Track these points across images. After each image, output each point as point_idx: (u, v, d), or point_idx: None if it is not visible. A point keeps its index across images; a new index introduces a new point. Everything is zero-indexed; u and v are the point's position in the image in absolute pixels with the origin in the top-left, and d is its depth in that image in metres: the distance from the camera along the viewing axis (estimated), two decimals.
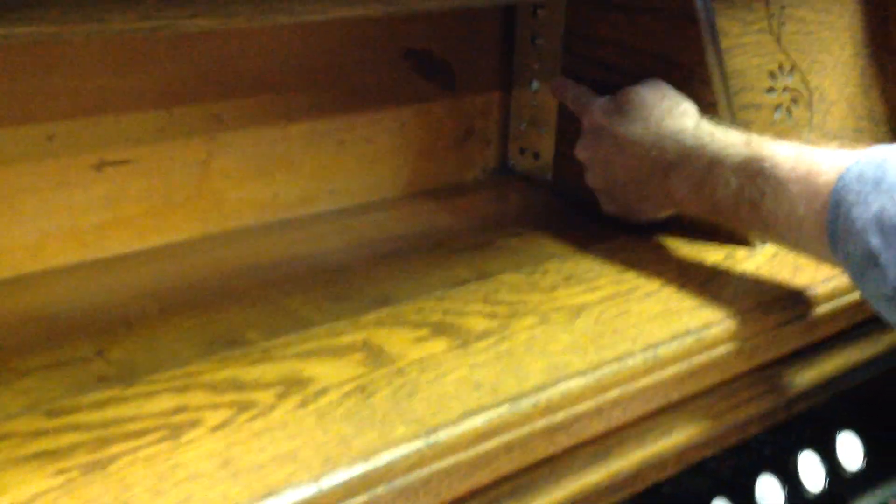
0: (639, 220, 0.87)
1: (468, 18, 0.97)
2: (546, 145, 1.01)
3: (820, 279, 0.80)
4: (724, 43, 0.92)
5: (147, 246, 0.83)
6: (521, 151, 1.03)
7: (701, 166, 0.77)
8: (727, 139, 0.77)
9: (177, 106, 0.82)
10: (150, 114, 0.81)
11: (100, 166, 0.79)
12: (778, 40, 1.01)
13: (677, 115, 0.81)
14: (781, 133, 1.00)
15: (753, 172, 0.72)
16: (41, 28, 0.59)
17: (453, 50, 0.97)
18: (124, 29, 0.62)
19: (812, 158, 0.70)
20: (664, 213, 0.85)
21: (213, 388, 0.62)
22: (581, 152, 0.87)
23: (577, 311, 0.73)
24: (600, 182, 0.86)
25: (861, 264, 0.64)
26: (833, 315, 0.81)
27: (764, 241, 0.83)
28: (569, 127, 0.98)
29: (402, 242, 0.86)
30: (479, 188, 1.01)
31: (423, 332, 0.70)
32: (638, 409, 0.68)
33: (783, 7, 1.01)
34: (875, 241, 0.62)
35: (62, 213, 0.78)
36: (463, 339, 0.69)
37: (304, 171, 0.90)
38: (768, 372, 0.80)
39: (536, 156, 1.02)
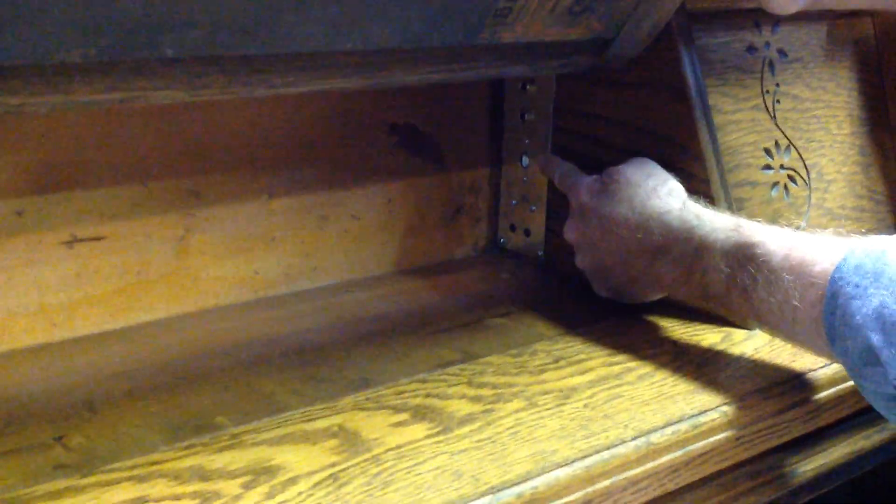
0: (633, 301, 0.84)
1: (455, 93, 0.95)
2: (537, 222, 0.98)
3: (821, 363, 0.77)
4: (718, 119, 0.90)
5: (119, 325, 0.80)
6: (512, 228, 1.01)
7: (689, 250, 0.74)
8: (715, 222, 0.74)
9: (153, 180, 0.79)
10: (124, 188, 0.78)
11: (71, 243, 0.77)
12: (773, 117, 0.99)
13: (663, 195, 0.78)
14: (779, 211, 0.97)
15: (744, 259, 0.70)
16: (2, 99, 0.56)
17: (440, 125, 0.94)
18: (91, 101, 0.60)
19: (806, 246, 0.67)
20: (656, 296, 0.82)
21: (176, 477, 0.59)
22: (569, 234, 0.84)
23: (567, 394, 0.70)
24: (589, 264, 0.84)
25: (860, 361, 0.61)
26: (836, 400, 0.77)
27: (756, 329, 0.80)
28: (560, 204, 0.95)
29: (385, 322, 0.83)
30: (468, 266, 0.98)
31: (403, 416, 0.66)
32: (630, 501, 0.64)
33: (777, 84, 0.99)
34: (876, 338, 0.59)
35: (30, 291, 0.75)
36: (445, 424, 0.65)
37: (286, 248, 0.88)
38: (769, 461, 0.76)
39: (527, 233, 0.99)
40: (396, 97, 0.91)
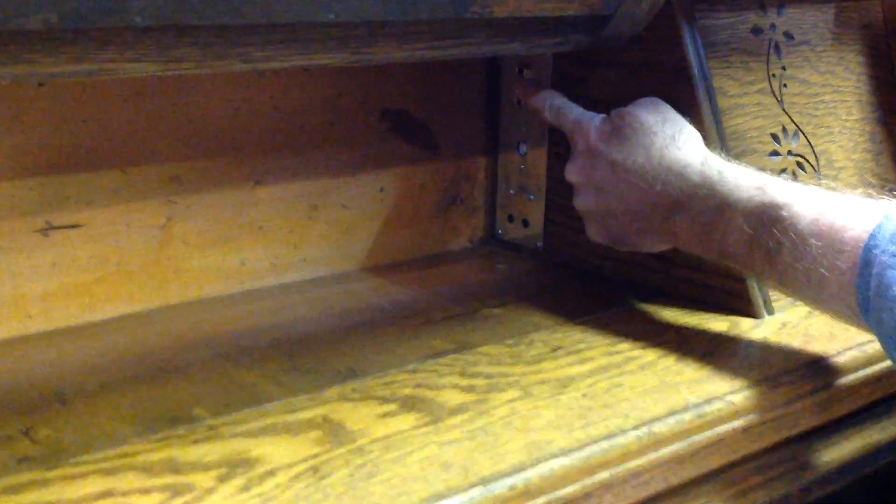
0: (631, 249, 0.79)
1: (449, 77, 0.92)
2: (536, 212, 0.95)
3: (834, 351, 0.73)
4: (722, 103, 0.86)
5: (98, 318, 0.76)
6: (510, 219, 0.97)
7: (709, 207, 0.70)
8: (739, 179, 0.70)
9: (132, 165, 0.76)
10: (102, 173, 0.75)
11: (46, 230, 0.73)
12: (780, 102, 0.95)
13: (682, 145, 0.74)
14: None
15: (769, 221, 0.65)
16: None
17: (433, 110, 0.91)
18: (57, 73, 0.57)
19: (836, 210, 0.63)
20: (662, 248, 0.78)
21: (147, 470, 0.55)
22: (572, 175, 0.79)
23: (564, 384, 0.66)
24: (593, 206, 0.78)
25: None
26: (851, 389, 0.74)
27: (776, 292, 0.75)
28: (560, 192, 0.92)
29: (375, 313, 0.79)
30: (463, 258, 0.94)
31: (391, 407, 0.63)
32: (631, 495, 0.61)
33: (784, 68, 0.96)
34: None
35: (4, 281, 0.72)
36: (434, 414, 0.62)
37: (274, 238, 0.84)
38: (779, 454, 0.72)
39: (526, 223, 0.96)
40: (388, 80, 0.87)
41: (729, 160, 0.73)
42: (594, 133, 0.77)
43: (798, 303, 0.82)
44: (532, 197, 0.94)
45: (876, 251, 0.58)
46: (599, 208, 0.78)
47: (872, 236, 0.59)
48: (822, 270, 0.62)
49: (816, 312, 0.72)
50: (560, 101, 0.82)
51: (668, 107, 0.77)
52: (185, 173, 0.78)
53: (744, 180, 0.69)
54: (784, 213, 0.65)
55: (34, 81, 0.59)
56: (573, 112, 0.81)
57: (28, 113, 0.71)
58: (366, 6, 0.63)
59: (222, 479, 0.54)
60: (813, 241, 0.62)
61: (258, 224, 0.83)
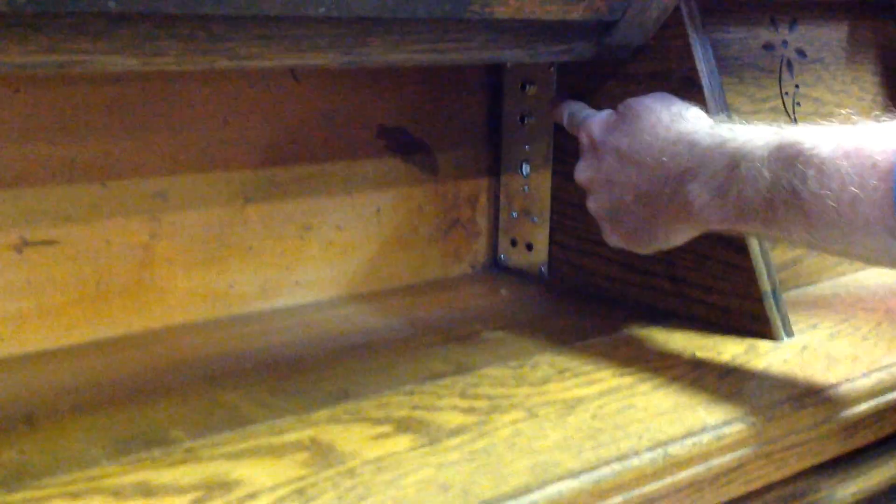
0: (649, 246, 0.74)
1: (449, 93, 0.88)
2: (540, 236, 0.90)
3: (859, 373, 0.69)
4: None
5: (74, 342, 0.72)
6: (513, 243, 0.93)
7: (722, 166, 0.65)
8: (751, 132, 0.65)
9: (114, 179, 0.72)
10: (81, 187, 0.71)
11: (21, 247, 0.69)
12: (794, 120, 0.91)
13: (690, 117, 0.70)
14: None
15: (791, 157, 0.60)
16: None
17: (433, 129, 0.87)
18: (26, 63, 0.53)
19: (859, 134, 0.59)
20: (679, 235, 0.72)
21: (117, 493, 0.50)
22: (580, 174, 0.75)
23: (572, 405, 0.62)
24: (604, 205, 0.74)
25: None
26: (876, 416, 0.69)
27: (804, 246, 0.70)
28: (566, 214, 0.88)
29: (370, 335, 0.75)
30: (464, 283, 0.90)
31: (385, 428, 0.58)
32: None
33: (797, 86, 0.92)
34: None
35: None
36: (432, 436, 0.57)
37: (264, 260, 0.80)
38: (803, 484, 0.67)
39: (529, 247, 0.91)
40: (385, 95, 0.84)
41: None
42: (597, 127, 0.74)
43: (819, 325, 0.78)
44: (536, 220, 0.90)
45: None
46: (612, 204, 0.73)
47: None
48: (854, 190, 0.57)
49: (847, 261, 0.66)
50: (576, 106, 0.80)
51: (674, 97, 0.73)
52: (170, 189, 0.74)
53: (757, 131, 0.65)
54: (806, 146, 0.60)
55: (1, 71, 0.55)
56: (582, 113, 0.78)
57: (3, 121, 0.67)
58: (359, 1, 0.60)
59: (198, 503, 0.49)
60: (840, 162, 0.58)
61: (247, 244, 0.79)
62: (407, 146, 0.86)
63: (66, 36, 0.53)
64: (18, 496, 0.50)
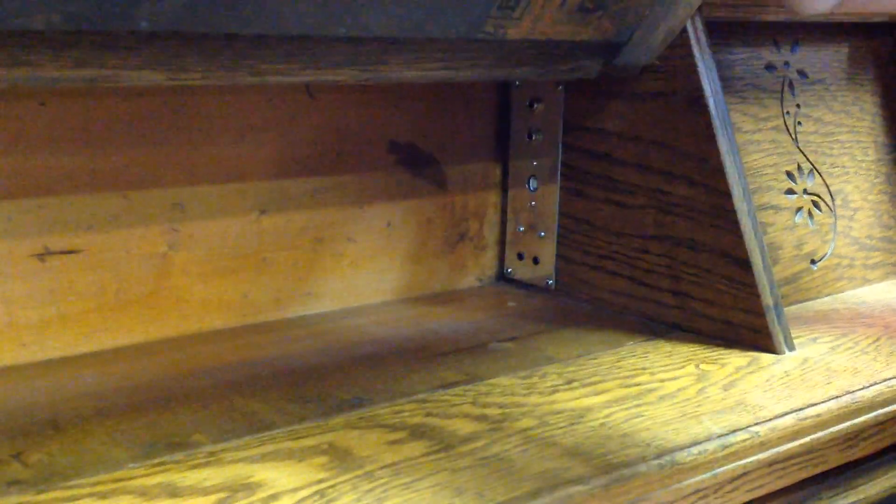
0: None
1: (458, 110, 0.90)
2: (547, 250, 0.92)
3: (859, 386, 0.70)
4: (738, 139, 0.85)
5: (94, 348, 0.74)
6: (520, 257, 0.95)
7: None
8: None
9: (133, 190, 0.74)
10: (102, 197, 0.72)
11: (43, 256, 0.71)
12: (795, 140, 0.94)
13: None
14: (803, 238, 0.91)
15: None
16: None
17: (442, 144, 0.89)
18: (58, 77, 0.55)
19: None
20: None
21: (143, 494, 0.52)
22: None
23: (581, 414, 0.63)
24: None
25: None
26: (877, 427, 0.71)
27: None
28: (572, 228, 0.90)
29: (383, 345, 0.76)
30: (472, 295, 0.92)
31: (400, 434, 0.60)
32: None
33: (798, 106, 0.94)
34: None
35: None
36: (446, 442, 0.59)
37: (278, 271, 0.82)
38: (804, 493, 0.69)
39: (536, 261, 0.93)
40: (396, 112, 0.86)
41: None
42: None
43: (819, 339, 0.80)
44: (543, 234, 0.92)
45: None
46: None
47: None
48: None
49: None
50: None
51: None
52: (188, 200, 0.76)
53: None
54: None
55: (33, 84, 0.57)
56: None
57: (28, 133, 0.69)
58: (377, 22, 0.62)
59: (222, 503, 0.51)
60: None
61: (262, 255, 0.81)
62: (417, 161, 0.88)
63: (96, 52, 0.55)
64: (48, 496, 0.52)
